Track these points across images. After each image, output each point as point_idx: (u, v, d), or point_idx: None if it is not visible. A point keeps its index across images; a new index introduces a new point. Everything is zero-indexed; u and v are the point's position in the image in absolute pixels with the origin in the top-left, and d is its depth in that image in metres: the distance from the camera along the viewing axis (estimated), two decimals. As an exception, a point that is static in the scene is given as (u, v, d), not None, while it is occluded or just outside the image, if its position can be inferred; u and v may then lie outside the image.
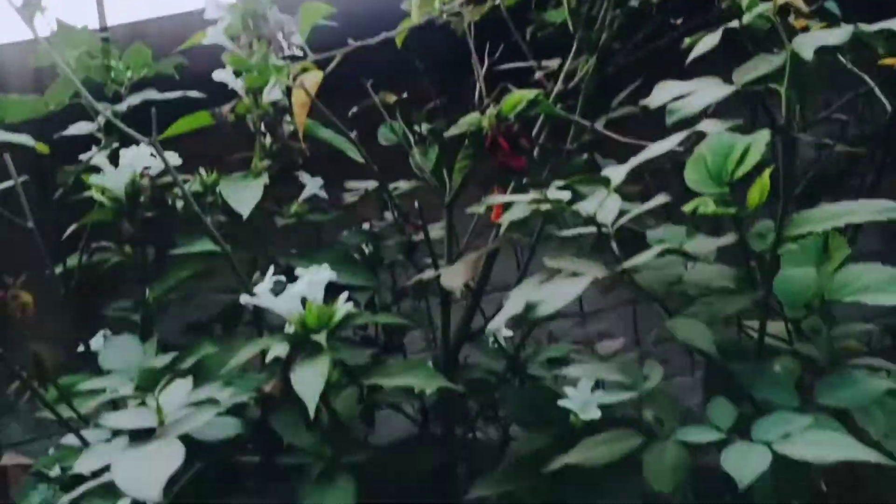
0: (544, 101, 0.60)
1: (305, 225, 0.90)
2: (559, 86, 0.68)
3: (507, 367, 0.86)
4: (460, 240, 0.78)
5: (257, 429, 0.79)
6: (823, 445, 0.42)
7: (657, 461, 0.45)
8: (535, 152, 0.66)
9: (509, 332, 0.78)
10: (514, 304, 0.49)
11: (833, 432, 0.43)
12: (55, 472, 0.78)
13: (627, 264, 0.49)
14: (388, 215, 0.93)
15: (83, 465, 0.47)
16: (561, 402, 0.65)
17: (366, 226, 0.94)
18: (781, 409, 0.46)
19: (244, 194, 0.78)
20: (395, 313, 0.88)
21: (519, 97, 0.59)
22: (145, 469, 0.41)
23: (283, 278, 0.65)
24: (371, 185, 0.92)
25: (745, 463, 0.41)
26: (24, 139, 0.66)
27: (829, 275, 0.59)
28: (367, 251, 0.91)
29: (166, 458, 0.43)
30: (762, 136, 0.51)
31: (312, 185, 0.91)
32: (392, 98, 0.81)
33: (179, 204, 0.86)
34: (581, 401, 0.63)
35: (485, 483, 0.70)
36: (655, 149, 0.54)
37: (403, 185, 0.85)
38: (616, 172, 0.52)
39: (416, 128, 0.86)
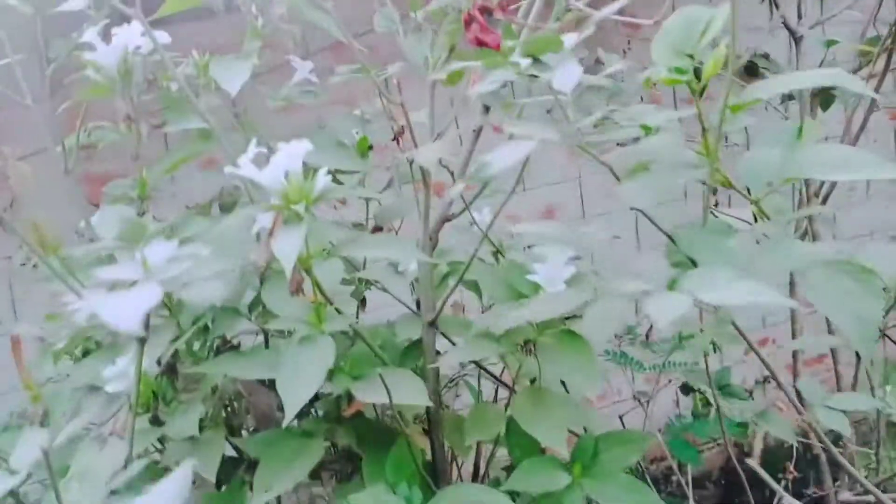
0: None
1: (297, 109, 0.92)
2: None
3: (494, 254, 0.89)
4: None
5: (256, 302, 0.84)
6: (737, 292, 0.45)
7: (594, 313, 0.49)
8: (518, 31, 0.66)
9: (487, 217, 0.81)
10: (480, 166, 0.51)
11: (750, 281, 0.45)
12: (65, 341, 0.84)
13: (579, 125, 0.51)
14: (379, 101, 0.94)
15: (76, 309, 0.51)
16: (529, 277, 0.68)
17: (357, 112, 0.96)
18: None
19: (233, 72, 0.80)
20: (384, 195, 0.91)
21: (494, -30, 0.59)
22: (125, 305, 0.45)
23: (265, 150, 0.67)
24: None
25: (665, 307, 0.44)
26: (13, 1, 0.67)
27: (792, 155, 0.60)
28: (356, 136, 0.93)
29: (145, 296, 0.47)
30: (724, 10, 0.51)
31: (303, 70, 0.92)
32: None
33: (174, 86, 0.88)
34: (547, 275, 0.67)
35: (455, 352, 0.74)
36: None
37: (392, 68, 0.86)
38: (570, 40, 0.53)
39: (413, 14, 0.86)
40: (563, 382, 0.82)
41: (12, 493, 0.62)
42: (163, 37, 0.82)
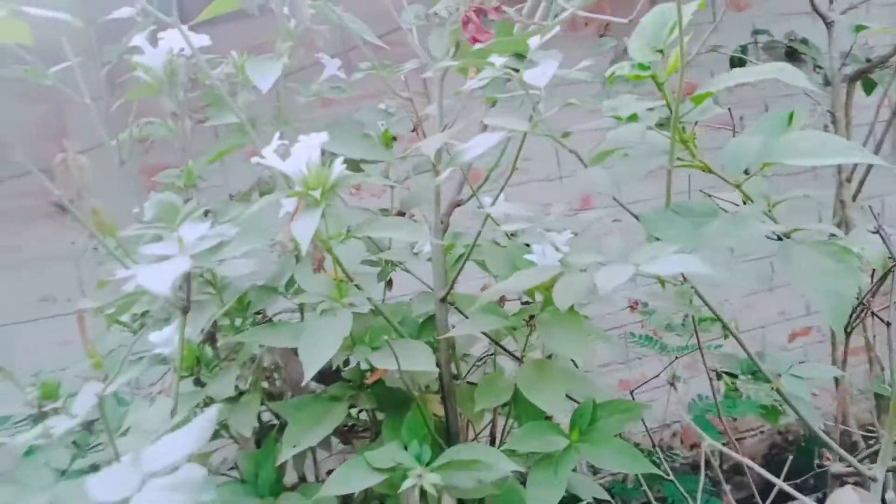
0: (513, -21, 0.66)
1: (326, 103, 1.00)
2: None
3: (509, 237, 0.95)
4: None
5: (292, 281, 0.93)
6: (673, 264, 0.50)
7: (561, 283, 0.54)
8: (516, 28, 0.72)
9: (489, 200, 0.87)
10: (456, 153, 0.58)
11: (687, 255, 0.50)
12: (126, 316, 0.94)
13: (541, 117, 0.56)
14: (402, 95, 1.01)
15: (121, 278, 0.60)
16: (526, 256, 0.74)
17: (382, 105, 1.03)
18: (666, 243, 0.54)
19: (265, 71, 0.88)
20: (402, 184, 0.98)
21: (488, -24, 0.65)
22: (159, 272, 0.54)
23: (287, 142, 0.75)
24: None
25: (609, 275, 0.50)
26: (66, 16, 0.76)
27: (770, 142, 0.64)
28: (380, 127, 1.00)
29: (175, 266, 0.56)
30: (692, 6, 0.56)
31: (331, 66, 0.99)
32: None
33: (214, 84, 0.96)
34: (541, 254, 0.73)
35: (464, 324, 0.81)
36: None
37: (410, 64, 0.93)
38: (535, 41, 0.59)
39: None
40: (573, 360, 0.88)
41: (74, 442, 0.72)
42: (202, 39, 0.91)
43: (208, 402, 0.82)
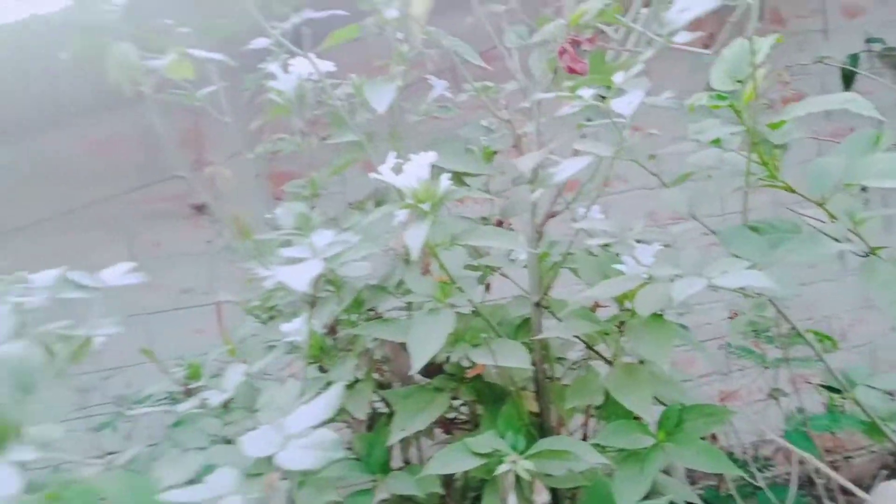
0: (607, 11, 0.72)
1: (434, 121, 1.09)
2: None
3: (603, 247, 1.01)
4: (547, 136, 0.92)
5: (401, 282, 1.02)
6: (742, 278, 0.54)
7: (643, 293, 0.60)
8: (607, 55, 0.78)
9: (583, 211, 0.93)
10: (547, 175, 0.65)
11: (755, 270, 0.54)
12: (260, 308, 1.07)
13: (626, 144, 0.62)
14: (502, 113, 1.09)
15: (265, 277, 0.71)
16: (615, 266, 0.80)
17: (484, 122, 1.11)
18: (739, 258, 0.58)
19: (381, 93, 0.98)
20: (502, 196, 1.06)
21: (583, 10, 0.71)
22: (298, 273, 0.65)
23: (401, 160, 0.84)
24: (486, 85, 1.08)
25: (682, 287, 0.55)
26: (222, 57, 0.89)
27: (852, 163, 0.67)
28: (482, 143, 1.08)
29: (311, 267, 0.66)
30: (768, 41, 0.60)
31: (439, 87, 1.09)
32: (501, 7, 0.96)
33: (336, 104, 1.08)
34: (630, 264, 0.78)
35: (556, 327, 0.88)
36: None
37: (510, 86, 1.01)
38: (619, 77, 0.64)
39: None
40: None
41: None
42: (327, 65, 1.03)
43: (328, 386, 0.93)
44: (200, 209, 1.76)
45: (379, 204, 1.18)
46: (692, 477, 1.86)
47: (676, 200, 0.63)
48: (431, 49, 1.07)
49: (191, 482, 0.67)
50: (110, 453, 0.76)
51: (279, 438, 0.52)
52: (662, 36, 0.60)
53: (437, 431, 1.09)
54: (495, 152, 1.07)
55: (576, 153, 0.64)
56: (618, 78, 0.64)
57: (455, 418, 1.10)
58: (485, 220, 1.13)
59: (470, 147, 1.07)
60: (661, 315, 0.80)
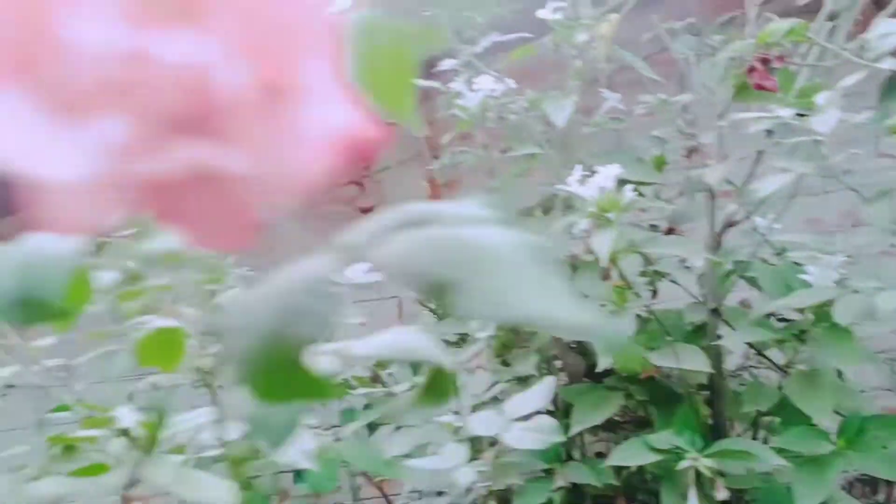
0: (796, 30, 0.74)
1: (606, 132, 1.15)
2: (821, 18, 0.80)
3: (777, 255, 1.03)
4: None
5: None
6: None
7: (840, 304, 0.63)
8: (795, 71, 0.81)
9: (765, 222, 0.95)
10: (750, 190, 0.68)
11: None
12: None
13: (825, 162, 0.64)
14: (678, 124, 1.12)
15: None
16: (801, 276, 0.83)
17: (655, 133, 1.15)
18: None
19: (559, 108, 1.05)
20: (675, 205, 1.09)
21: (774, 28, 0.74)
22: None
23: (588, 173, 0.91)
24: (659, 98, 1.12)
25: (887, 299, 0.57)
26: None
27: None
28: (654, 154, 1.12)
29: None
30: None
31: (612, 100, 1.14)
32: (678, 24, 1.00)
33: (513, 118, 1.16)
34: (817, 275, 0.80)
35: (734, 335, 0.91)
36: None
37: (684, 98, 1.04)
38: (829, 97, 0.67)
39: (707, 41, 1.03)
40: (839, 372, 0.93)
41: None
42: (509, 83, 1.11)
43: (509, 379, 1.01)
44: (368, 212, 1.91)
45: (546, 212, 1.25)
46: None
47: (880, 216, 0.65)
48: (607, 64, 1.13)
49: (406, 455, 0.77)
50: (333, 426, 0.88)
51: (502, 422, 0.60)
52: (864, 60, 0.63)
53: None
54: (666, 162, 1.11)
55: (759, 157, 0.68)
56: (820, 99, 0.67)
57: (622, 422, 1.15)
58: (653, 228, 1.17)
59: (640, 157, 1.11)
60: (845, 325, 0.82)
